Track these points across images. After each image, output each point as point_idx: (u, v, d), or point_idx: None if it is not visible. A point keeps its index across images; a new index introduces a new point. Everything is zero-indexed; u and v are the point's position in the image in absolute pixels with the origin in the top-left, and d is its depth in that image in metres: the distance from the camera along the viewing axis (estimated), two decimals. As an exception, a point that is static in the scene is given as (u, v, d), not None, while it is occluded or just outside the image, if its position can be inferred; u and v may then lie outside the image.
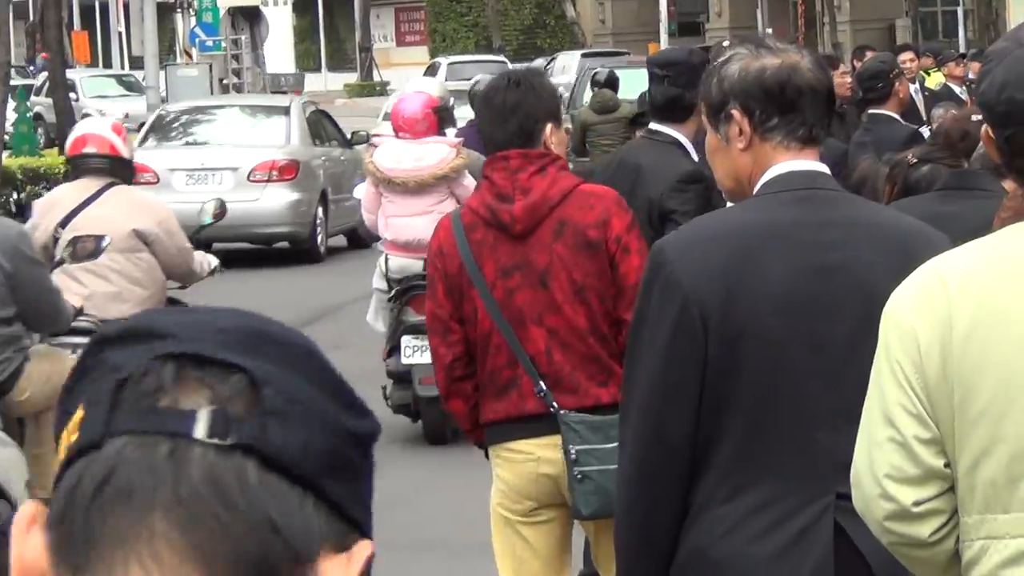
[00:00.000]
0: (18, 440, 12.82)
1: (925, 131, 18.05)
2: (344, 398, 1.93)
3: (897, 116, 17.03)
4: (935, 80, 30.56)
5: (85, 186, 14.68)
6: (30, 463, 12.35)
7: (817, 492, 5.76)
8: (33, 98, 44.12)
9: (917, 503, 4.71)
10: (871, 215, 6.41)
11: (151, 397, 1.85)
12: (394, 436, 17.03)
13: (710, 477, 5.75)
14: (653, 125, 11.24)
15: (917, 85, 25.51)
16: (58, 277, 13.92)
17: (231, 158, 32.84)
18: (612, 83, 32.71)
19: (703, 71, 8.36)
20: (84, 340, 12.70)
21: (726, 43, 25.48)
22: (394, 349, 16.47)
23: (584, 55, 69.08)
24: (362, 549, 1.87)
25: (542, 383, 8.81)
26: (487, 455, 9.24)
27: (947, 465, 4.72)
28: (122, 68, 62.61)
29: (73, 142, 15.48)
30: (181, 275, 14.93)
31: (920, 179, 8.70)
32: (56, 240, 14.38)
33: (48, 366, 13.11)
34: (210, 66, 43.07)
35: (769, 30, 76.55)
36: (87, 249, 14.04)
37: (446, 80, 48.57)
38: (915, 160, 9.14)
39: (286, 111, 36.20)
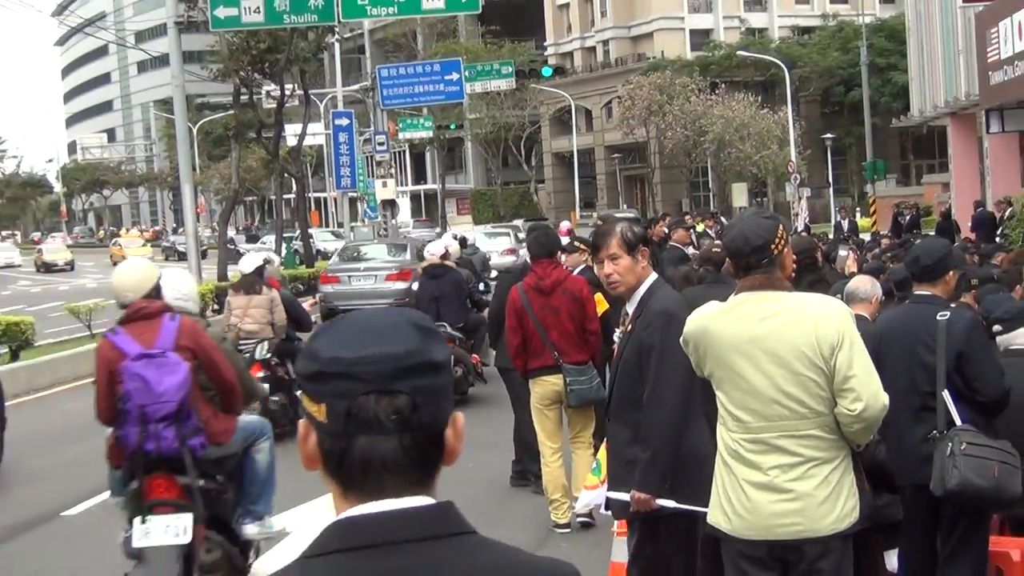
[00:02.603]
0: None
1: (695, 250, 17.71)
2: (444, 373, 1.75)
3: (681, 246, 16.64)
4: (700, 227, 30.32)
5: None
6: None
7: (699, 415, 5.51)
8: (294, 243, 44.09)
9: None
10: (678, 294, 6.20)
11: (368, 412, 1.67)
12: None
13: (688, 413, 5.46)
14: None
15: (693, 230, 25.31)
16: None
17: None
18: None
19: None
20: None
21: (603, 214, 24.96)
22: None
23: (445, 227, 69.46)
24: (458, 416, 1.75)
25: (555, 352, 8.95)
26: (527, 382, 9.25)
27: None
28: (335, 227, 62.52)
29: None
30: None
31: (701, 275, 8.51)
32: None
33: None
34: (374, 226, 43.16)
35: (625, 205, 76.30)
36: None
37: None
38: (696, 267, 9.28)
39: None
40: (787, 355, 4.50)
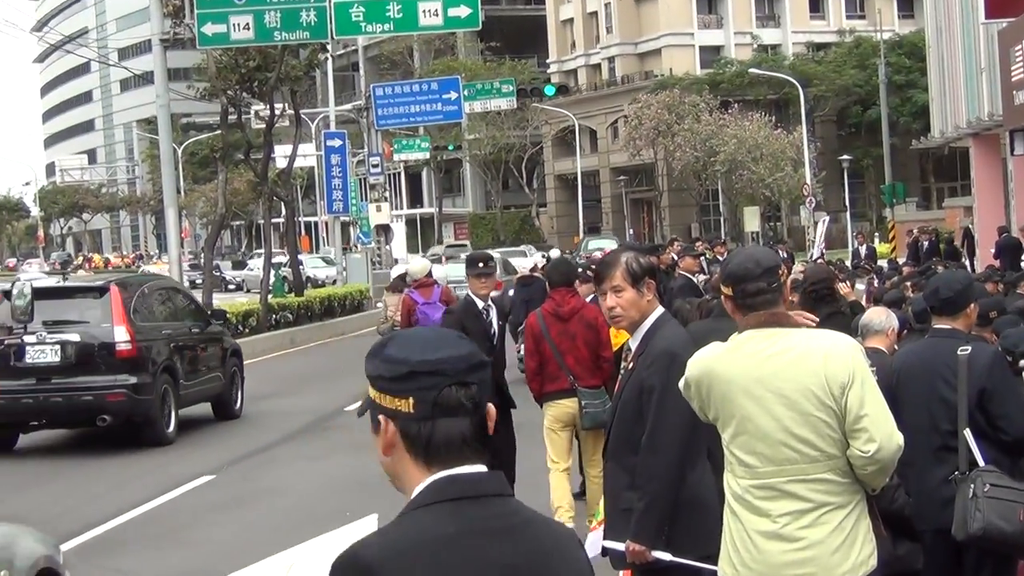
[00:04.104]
0: None
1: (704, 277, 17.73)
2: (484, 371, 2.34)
3: (689, 275, 16.63)
4: (711, 254, 30.26)
5: None
6: None
7: (700, 461, 5.49)
8: (283, 270, 44.43)
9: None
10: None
11: (452, 400, 2.27)
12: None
13: (688, 459, 5.42)
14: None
15: (704, 258, 25.22)
16: None
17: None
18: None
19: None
20: None
21: (616, 244, 25.23)
22: None
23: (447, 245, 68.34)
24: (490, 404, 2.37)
25: (571, 376, 9.88)
26: (541, 406, 10.14)
27: None
28: (325, 254, 62.34)
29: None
30: None
31: (712, 307, 8.23)
32: None
33: None
34: (367, 253, 43.15)
35: (631, 231, 76.34)
36: None
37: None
38: (710, 299, 9.08)
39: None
40: (795, 395, 4.50)
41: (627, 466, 5.54)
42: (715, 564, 5.13)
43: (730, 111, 66.59)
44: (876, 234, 57.03)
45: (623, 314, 5.59)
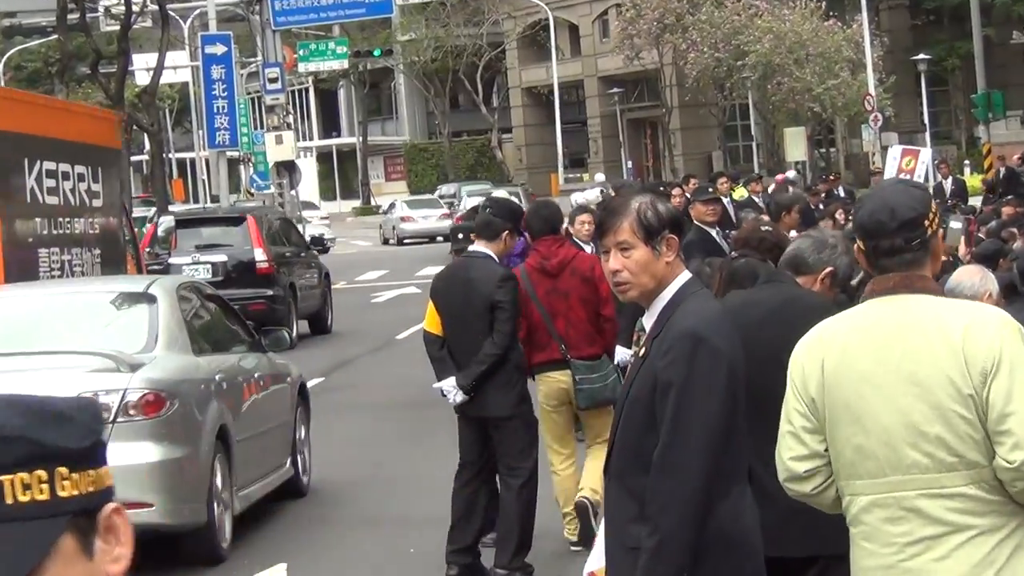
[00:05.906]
0: None
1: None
2: None
3: (706, 226, 16.22)
4: (739, 193, 30.24)
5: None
6: None
7: (736, 482, 5.49)
8: (147, 225, 44.33)
9: (807, 471, 4.80)
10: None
11: None
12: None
13: (720, 482, 5.44)
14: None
15: (728, 198, 25.08)
16: None
17: None
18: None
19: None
20: None
21: (607, 186, 25.89)
22: None
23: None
24: None
25: (563, 345, 11.10)
26: (533, 379, 11.35)
27: (825, 449, 4.78)
28: (205, 203, 61.88)
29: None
30: None
31: (737, 268, 7.98)
32: None
33: None
34: (264, 201, 42.87)
35: (630, 163, 76.31)
36: None
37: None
38: (734, 255, 8.59)
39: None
40: (929, 380, 4.64)
41: (634, 489, 5.51)
42: None
43: (763, -4, 66.67)
44: (966, 162, 57.21)
45: (631, 280, 5.53)
